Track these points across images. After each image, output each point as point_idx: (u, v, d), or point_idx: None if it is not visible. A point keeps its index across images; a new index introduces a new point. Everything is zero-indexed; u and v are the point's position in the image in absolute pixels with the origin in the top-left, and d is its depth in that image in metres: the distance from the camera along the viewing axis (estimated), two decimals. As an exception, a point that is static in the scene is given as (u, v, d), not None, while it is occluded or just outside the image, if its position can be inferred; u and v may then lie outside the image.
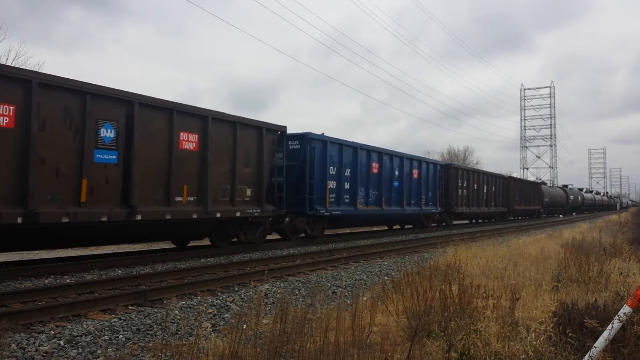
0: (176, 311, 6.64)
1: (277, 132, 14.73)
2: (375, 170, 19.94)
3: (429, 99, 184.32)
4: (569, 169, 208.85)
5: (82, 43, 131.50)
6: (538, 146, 79.76)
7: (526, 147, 79.85)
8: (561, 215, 53.95)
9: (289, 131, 15.62)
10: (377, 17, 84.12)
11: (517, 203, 38.53)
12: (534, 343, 4.48)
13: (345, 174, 18.06)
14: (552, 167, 78.10)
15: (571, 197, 60.29)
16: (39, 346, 5.02)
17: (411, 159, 23.16)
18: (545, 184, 56.33)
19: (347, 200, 18.17)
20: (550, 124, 79.02)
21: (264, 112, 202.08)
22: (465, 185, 28.89)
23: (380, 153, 20.52)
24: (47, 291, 7.34)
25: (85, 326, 5.71)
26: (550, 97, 79.37)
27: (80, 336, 5.39)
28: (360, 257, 12.83)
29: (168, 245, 16.65)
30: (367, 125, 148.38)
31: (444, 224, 27.48)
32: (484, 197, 31.87)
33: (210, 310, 6.78)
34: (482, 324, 5.06)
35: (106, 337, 5.44)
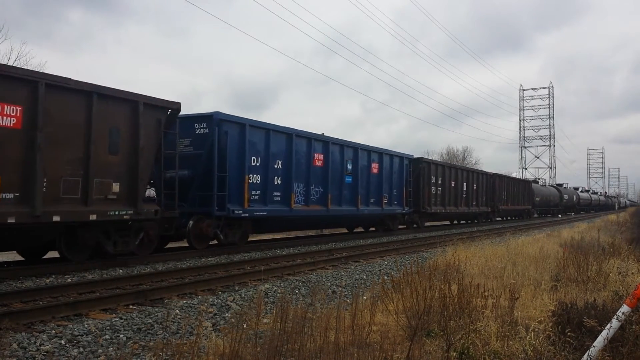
0: (177, 310, 6.66)
1: (166, 110, 11.30)
2: (319, 163, 16.49)
3: (429, 100, 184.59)
4: (568, 169, 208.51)
5: (84, 43, 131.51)
6: (537, 146, 79.78)
7: (525, 147, 79.87)
8: (560, 215, 53.60)
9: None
10: (378, 18, 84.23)
11: (504, 202, 35.60)
12: (533, 342, 4.50)
13: (276, 167, 14.64)
14: (550, 167, 78.12)
15: (565, 196, 57.10)
16: (40, 345, 5.04)
17: (369, 150, 19.69)
18: (537, 182, 53.19)
19: (277, 199, 14.71)
20: (549, 124, 79.01)
21: (264, 112, 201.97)
22: (440, 182, 25.69)
23: (326, 143, 17.09)
24: (48, 291, 7.35)
25: (86, 325, 5.72)
26: (549, 97, 79.36)
27: (82, 335, 5.41)
28: (360, 257, 12.85)
29: (169, 245, 16.64)
30: (367, 126, 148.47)
31: (415, 226, 24.41)
32: (464, 195, 28.72)
33: (210, 310, 6.80)
34: (482, 323, 5.09)
35: (107, 337, 5.46)
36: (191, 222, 12.28)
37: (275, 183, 14.74)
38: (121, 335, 5.54)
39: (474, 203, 30.45)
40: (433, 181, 24.92)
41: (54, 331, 5.49)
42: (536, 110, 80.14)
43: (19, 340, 5.09)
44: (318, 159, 16.67)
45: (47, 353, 4.85)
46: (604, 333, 4.15)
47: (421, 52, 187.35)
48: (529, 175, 72.59)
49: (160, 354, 4.51)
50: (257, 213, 13.95)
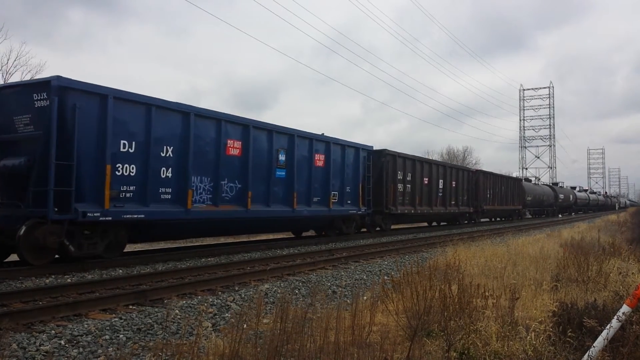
0: (177, 311, 6.66)
1: None
2: (234, 152, 13.25)
3: (429, 100, 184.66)
4: (569, 168, 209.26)
5: (85, 43, 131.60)
6: (537, 146, 79.82)
7: (525, 147, 79.89)
8: (560, 215, 53.26)
9: None
10: (378, 18, 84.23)
11: (489, 202, 32.45)
12: (534, 342, 4.49)
13: (163, 155, 11.27)
14: (551, 167, 78.14)
15: (561, 196, 54.17)
16: (39, 346, 5.03)
17: (312, 138, 16.25)
18: (529, 180, 50.17)
19: (166, 197, 11.33)
20: (549, 124, 79.04)
21: (265, 112, 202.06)
22: (409, 178, 22.38)
23: (246, 127, 13.57)
24: (48, 291, 7.35)
25: (86, 326, 5.72)
26: (549, 97, 79.39)
27: (81, 336, 5.41)
28: (360, 257, 12.85)
29: (169, 244, 16.67)
30: (368, 126, 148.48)
31: (378, 229, 20.88)
32: (440, 194, 25.44)
33: (210, 310, 6.79)
34: (482, 323, 5.08)
35: (107, 337, 5.46)
36: (23, 228, 9.09)
37: (163, 176, 11.24)
38: (121, 336, 5.54)
39: (453, 202, 27.13)
40: (400, 177, 21.56)
41: (53, 331, 5.48)
42: (536, 110, 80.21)
43: (18, 340, 5.09)
44: (234, 147, 13.21)
45: (47, 353, 4.84)
46: (604, 333, 4.14)
47: (422, 52, 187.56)
48: (529, 175, 72.54)
49: (160, 354, 4.51)
50: (129, 216, 10.48)
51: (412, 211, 22.71)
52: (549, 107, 79.25)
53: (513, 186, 38.42)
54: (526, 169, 78.27)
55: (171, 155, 11.50)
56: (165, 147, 11.36)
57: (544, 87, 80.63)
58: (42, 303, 6.78)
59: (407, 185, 22.32)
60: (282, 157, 15.07)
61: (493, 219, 37.34)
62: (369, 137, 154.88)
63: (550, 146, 78.65)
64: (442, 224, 29.69)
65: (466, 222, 30.37)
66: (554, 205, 51.52)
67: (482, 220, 33.34)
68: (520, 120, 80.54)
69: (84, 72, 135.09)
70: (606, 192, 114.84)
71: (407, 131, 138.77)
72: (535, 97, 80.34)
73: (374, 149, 20.24)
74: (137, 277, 8.72)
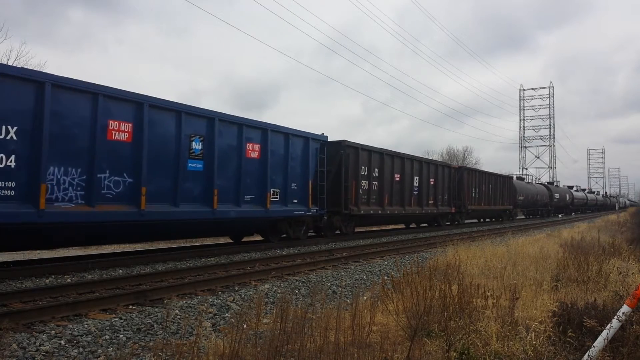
0: (177, 311, 6.66)
1: None
2: (123, 137, 10.41)
3: (430, 100, 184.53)
4: (570, 168, 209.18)
5: (85, 43, 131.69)
6: (537, 146, 79.80)
7: (525, 147, 79.89)
8: (560, 215, 53.04)
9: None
10: (379, 19, 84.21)
11: (475, 201, 29.89)
12: (534, 342, 4.49)
13: (1, 137, 8.65)
14: (551, 167, 78.13)
15: (556, 195, 51.76)
16: (39, 346, 5.03)
17: (241, 124, 13.46)
18: (522, 179, 47.18)
19: (7, 193, 8.72)
20: (549, 124, 79.03)
21: (265, 112, 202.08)
22: (376, 174, 19.77)
23: (140, 105, 10.74)
24: (48, 291, 7.35)
25: (86, 326, 5.72)
26: (549, 97, 79.39)
27: (81, 336, 5.41)
28: (360, 257, 12.84)
29: (169, 244, 16.68)
30: (368, 126, 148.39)
31: (337, 232, 18.48)
32: (415, 192, 22.90)
33: (210, 310, 6.79)
34: (482, 323, 5.08)
35: (107, 337, 5.46)
36: None
37: (1, 165, 8.63)
38: (121, 336, 5.54)
39: (431, 202, 24.55)
40: (364, 173, 18.85)
41: (53, 331, 5.48)
42: (536, 110, 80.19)
43: (18, 340, 5.09)
44: (120, 130, 10.36)
45: (47, 353, 4.85)
46: (604, 333, 4.14)
47: (422, 53, 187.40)
48: (529, 175, 72.49)
49: (160, 354, 4.51)
50: None
51: (380, 211, 19.88)
52: (549, 107, 79.27)
53: (503, 185, 35.78)
54: (526, 169, 78.29)
55: (13, 138, 8.77)
56: (3, 127, 8.62)
57: (544, 87, 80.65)
58: (42, 303, 6.78)
59: (374, 183, 19.53)
60: (197, 146, 12.18)
61: (482, 220, 35.60)
62: (370, 137, 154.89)
63: (550, 146, 78.67)
64: (422, 225, 27.37)
65: (448, 223, 27.80)
66: (548, 205, 49.36)
67: (467, 221, 31.05)
68: (520, 120, 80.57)
69: (85, 72, 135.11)
70: (606, 192, 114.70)
71: (407, 131, 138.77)
72: (536, 97, 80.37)
73: (331, 140, 17.39)
74: (137, 277, 8.72)
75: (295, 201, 15.55)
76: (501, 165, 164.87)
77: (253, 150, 13.93)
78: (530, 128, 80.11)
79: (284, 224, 15.59)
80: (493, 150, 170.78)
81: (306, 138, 16.04)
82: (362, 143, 18.95)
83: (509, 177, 39.26)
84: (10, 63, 22.89)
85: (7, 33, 41.98)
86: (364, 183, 18.95)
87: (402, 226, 27.03)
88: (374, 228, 24.08)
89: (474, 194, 29.85)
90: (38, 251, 13.46)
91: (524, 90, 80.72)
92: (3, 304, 6.64)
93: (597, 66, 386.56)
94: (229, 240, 17.87)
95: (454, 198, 27.33)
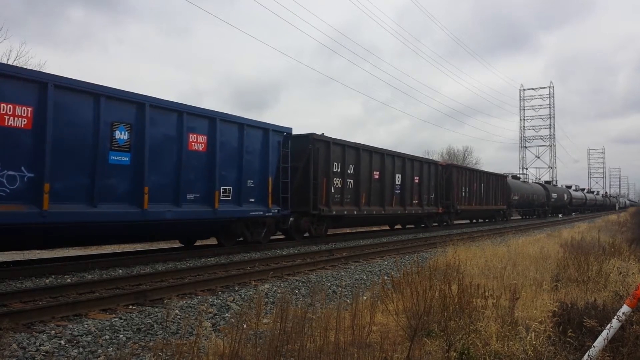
0: (177, 311, 6.66)
1: None
2: (18, 123, 8.81)
3: (430, 100, 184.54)
4: (569, 168, 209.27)
5: (85, 42, 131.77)
6: (537, 146, 79.82)
7: (525, 147, 79.90)
8: (560, 215, 52.83)
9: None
10: (379, 19, 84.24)
11: (465, 201, 28.29)
12: (534, 342, 4.49)
13: None
14: (551, 167, 78.14)
15: (554, 195, 50.24)
16: (39, 346, 5.03)
17: (180, 111, 11.56)
18: (518, 178, 45.12)
19: None
20: (550, 124, 79.04)
21: (265, 112, 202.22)
22: (351, 171, 17.94)
23: (43, 85, 9.12)
24: (48, 291, 7.35)
25: (86, 326, 5.72)
26: (549, 97, 79.41)
27: (81, 336, 5.41)
28: (360, 257, 12.85)
29: (170, 244, 16.67)
30: (369, 126, 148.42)
31: (306, 235, 16.71)
32: (397, 191, 21.19)
33: (210, 310, 6.80)
34: (482, 323, 5.09)
35: (107, 337, 5.46)
36: None
37: None
38: (121, 336, 5.54)
39: (415, 202, 22.97)
40: (337, 169, 17.14)
41: (53, 331, 5.48)
42: (537, 110, 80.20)
43: (18, 340, 5.09)
44: (14, 115, 8.72)
45: (47, 353, 4.85)
46: (604, 333, 4.14)
47: (422, 53, 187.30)
48: (529, 175, 72.52)
49: (160, 354, 4.51)
50: None
51: (356, 212, 18.17)
52: (549, 107, 79.28)
53: (496, 183, 34.00)
54: (526, 169, 78.32)
55: None
56: None
57: (544, 87, 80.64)
58: (42, 303, 6.79)
59: (349, 180, 17.85)
60: (122, 136, 10.46)
61: (476, 221, 34.17)
62: (370, 137, 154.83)
63: (551, 146, 78.66)
64: (408, 227, 25.65)
65: (436, 224, 26.18)
66: (545, 205, 47.79)
67: (456, 222, 29.48)
68: (520, 120, 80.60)
69: (85, 72, 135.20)
70: (606, 192, 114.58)
71: (408, 131, 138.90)
72: (536, 97, 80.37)
73: (290, 132, 15.08)
74: (137, 277, 8.72)
75: (252, 200, 13.67)
76: (501, 165, 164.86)
77: (197, 142, 12.03)
78: (531, 128, 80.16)
79: (240, 226, 13.58)
80: (493, 151, 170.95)
81: (265, 129, 14.10)
82: (333, 137, 17.07)
83: (503, 176, 37.24)
84: (10, 63, 22.87)
85: (7, 33, 41.97)
86: (336, 181, 17.18)
87: (386, 228, 25.63)
88: (356, 229, 22.88)
89: (463, 193, 28.20)
90: (38, 251, 13.47)
91: (524, 90, 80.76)
92: (3, 304, 6.64)
93: (598, 66, 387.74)
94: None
95: (442, 197, 25.73)
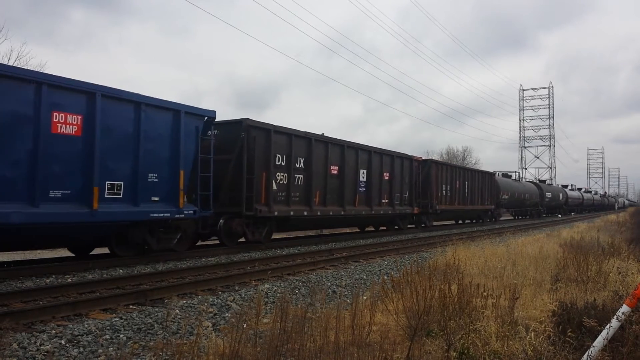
0: (177, 310, 6.66)
1: None
2: None
3: (430, 100, 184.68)
4: (569, 168, 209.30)
5: (86, 43, 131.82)
6: (537, 146, 79.87)
7: (525, 147, 79.94)
8: (560, 215, 52.53)
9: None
10: (379, 19, 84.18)
11: (446, 200, 25.89)
12: (533, 342, 4.50)
13: None
14: (550, 167, 78.18)
15: (548, 194, 47.85)
16: (40, 345, 5.04)
17: (39, 82, 8.91)
18: (509, 176, 42.25)
19: None
20: (549, 124, 79.12)
21: (266, 112, 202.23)
22: (300, 165, 15.37)
23: None
24: (48, 290, 7.36)
25: (86, 325, 5.73)
26: (548, 97, 79.45)
27: (82, 335, 5.42)
28: (360, 257, 12.85)
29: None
30: (369, 126, 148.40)
31: (242, 239, 14.37)
32: (361, 189, 18.58)
33: (210, 310, 6.80)
34: (482, 323, 5.09)
35: (107, 337, 5.47)
36: None
37: None
38: (121, 335, 5.55)
39: (385, 201, 20.39)
40: (281, 163, 14.58)
41: (54, 331, 5.49)
42: (536, 110, 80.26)
43: (19, 340, 5.09)
44: None
45: (47, 353, 4.85)
46: (603, 333, 4.15)
47: (422, 53, 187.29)
48: (529, 175, 72.57)
49: (160, 353, 4.52)
50: None
51: (306, 213, 15.57)
52: (549, 107, 79.36)
53: (482, 181, 31.54)
54: (526, 169, 78.37)
55: None
56: None
57: (544, 87, 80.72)
58: (42, 303, 6.79)
59: (297, 176, 15.23)
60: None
61: (462, 222, 32.13)
62: (371, 137, 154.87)
63: (550, 146, 78.71)
64: (381, 229, 23.19)
65: (412, 226, 23.95)
66: (539, 205, 45.48)
67: (436, 223, 26.88)
68: (520, 120, 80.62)
69: (85, 72, 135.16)
70: (605, 192, 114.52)
71: (408, 131, 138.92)
72: (535, 97, 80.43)
73: (213, 116, 12.32)
74: (137, 277, 8.72)
75: (156, 199, 10.87)
76: (501, 165, 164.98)
77: (67, 123, 9.33)
78: (530, 128, 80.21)
79: (140, 232, 10.77)
80: (493, 151, 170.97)
81: (176, 111, 11.24)
82: (275, 125, 14.47)
83: (490, 174, 34.59)
84: (10, 63, 22.86)
85: (7, 33, 41.99)
86: (280, 176, 14.57)
87: (354, 230, 23.24)
88: (309, 233, 20.47)
89: (444, 192, 25.72)
90: (39, 251, 13.46)
91: (523, 90, 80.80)
92: (4, 304, 6.64)
93: (599, 66, 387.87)
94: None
95: (418, 196, 23.27)
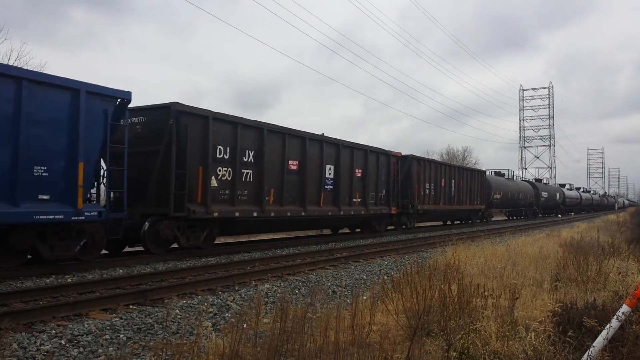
0: (177, 310, 6.66)
1: None
2: None
3: (431, 100, 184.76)
4: (570, 168, 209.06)
5: (87, 42, 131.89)
6: (537, 146, 79.90)
7: (525, 147, 79.96)
8: (560, 215, 52.33)
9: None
10: (381, 20, 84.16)
11: (430, 200, 23.97)
12: (533, 342, 4.50)
13: None
14: (550, 167, 78.20)
15: (544, 193, 46.04)
16: (40, 345, 5.04)
17: None
18: (502, 174, 40.00)
19: None
20: (549, 124, 79.14)
21: (266, 112, 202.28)
22: (249, 159, 13.35)
23: None
24: (48, 290, 7.35)
25: (86, 325, 5.73)
26: (548, 97, 79.48)
27: (82, 335, 5.42)
28: (360, 257, 12.86)
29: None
30: (370, 126, 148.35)
31: (175, 245, 12.35)
32: (327, 186, 16.60)
33: (210, 310, 6.80)
34: (482, 323, 5.09)
35: (107, 337, 5.47)
36: None
37: None
38: (121, 335, 5.55)
39: (356, 200, 18.29)
40: (223, 155, 12.48)
41: (54, 331, 5.49)
42: (536, 110, 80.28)
43: (19, 340, 5.09)
44: None
45: (47, 353, 4.85)
46: (603, 333, 4.15)
47: (423, 54, 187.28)
48: (529, 175, 72.53)
49: (160, 353, 4.51)
50: None
51: (256, 213, 13.44)
52: (549, 107, 79.39)
53: (472, 180, 29.55)
54: (526, 169, 78.40)
55: None
56: None
57: (544, 87, 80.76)
58: (42, 303, 6.79)
59: (245, 171, 13.19)
60: None
61: (452, 222, 30.37)
62: (371, 137, 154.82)
63: (550, 146, 78.75)
64: (357, 230, 21.13)
65: (392, 227, 22.17)
66: (534, 205, 43.62)
67: (422, 225, 24.79)
68: (519, 120, 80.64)
69: (86, 72, 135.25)
70: (605, 192, 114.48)
71: (409, 131, 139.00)
72: (535, 97, 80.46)
73: (119, 95, 10.01)
74: (137, 277, 8.72)
75: (45, 197, 9.00)
76: (501, 165, 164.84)
77: None
78: (530, 128, 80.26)
79: (26, 237, 8.88)
80: (493, 151, 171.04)
81: (74, 91, 9.26)
82: (216, 112, 12.43)
83: (481, 171, 32.77)
84: (10, 63, 22.89)
85: (7, 33, 41.98)
86: (222, 171, 12.50)
87: (320, 232, 21.77)
88: (265, 236, 18.84)
89: (427, 191, 23.75)
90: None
91: (523, 90, 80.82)
92: (3, 304, 6.64)
93: (599, 66, 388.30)
94: (229, 240, 17.78)
95: (397, 195, 21.19)
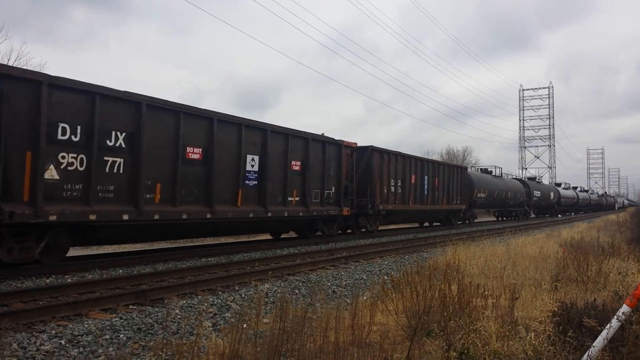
0: (177, 310, 6.66)
1: None
2: None
3: (431, 100, 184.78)
4: (570, 168, 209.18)
5: (87, 42, 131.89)
6: (537, 146, 79.89)
7: (525, 147, 79.95)
8: (560, 215, 51.97)
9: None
10: (381, 20, 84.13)
11: (396, 199, 20.73)
12: (533, 342, 4.50)
13: None
14: (550, 167, 78.19)
15: (536, 193, 42.95)
16: (40, 345, 5.04)
17: None
18: (489, 172, 36.59)
19: None
20: (549, 124, 79.14)
21: (267, 111, 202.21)
22: (121, 143, 10.13)
23: None
24: (48, 290, 7.35)
25: (86, 325, 5.73)
26: (548, 97, 79.48)
27: (82, 335, 5.42)
28: (360, 257, 12.86)
29: (169, 244, 16.67)
30: (370, 125, 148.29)
31: (8, 263, 8.67)
32: (250, 182, 13.50)
33: (210, 310, 6.80)
34: (482, 323, 5.09)
35: (107, 337, 5.47)
36: None
37: None
38: (121, 335, 5.55)
39: (293, 199, 15.12)
40: (69, 137, 9.23)
41: (54, 331, 5.49)
42: (536, 110, 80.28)
43: (19, 340, 5.09)
44: None
45: (47, 353, 4.85)
46: (603, 333, 4.15)
47: (423, 54, 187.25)
48: (529, 175, 72.48)
49: (160, 353, 4.52)
50: None
51: (128, 216, 10.12)
52: (549, 107, 79.38)
53: (450, 177, 26.10)
54: (526, 169, 78.35)
55: None
56: None
57: (544, 87, 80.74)
58: (42, 303, 6.79)
59: (109, 160, 9.96)
60: None
61: (434, 224, 27.46)
62: (372, 137, 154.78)
63: (550, 146, 78.73)
64: (310, 235, 17.25)
65: (348, 231, 19.32)
66: (525, 205, 40.50)
67: (377, 227, 20.43)
68: (520, 120, 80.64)
69: (86, 72, 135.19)
70: (605, 192, 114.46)
71: (409, 131, 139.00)
72: (535, 97, 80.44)
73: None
74: (137, 277, 8.72)
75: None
76: (501, 165, 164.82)
77: None
78: (530, 128, 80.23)
79: None
80: (493, 151, 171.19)
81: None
82: (60, 75, 9.08)
83: (462, 167, 29.88)
84: (10, 63, 22.88)
85: (7, 33, 41.97)
86: (69, 158, 9.29)
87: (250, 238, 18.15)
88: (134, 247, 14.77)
89: (393, 189, 20.49)
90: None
91: (523, 90, 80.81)
92: (3, 304, 6.64)
93: (600, 65, 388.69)
94: (230, 240, 17.77)
95: (352, 193, 17.91)
